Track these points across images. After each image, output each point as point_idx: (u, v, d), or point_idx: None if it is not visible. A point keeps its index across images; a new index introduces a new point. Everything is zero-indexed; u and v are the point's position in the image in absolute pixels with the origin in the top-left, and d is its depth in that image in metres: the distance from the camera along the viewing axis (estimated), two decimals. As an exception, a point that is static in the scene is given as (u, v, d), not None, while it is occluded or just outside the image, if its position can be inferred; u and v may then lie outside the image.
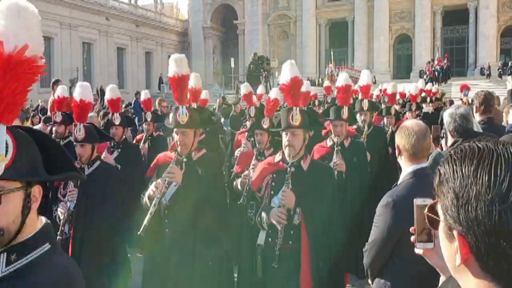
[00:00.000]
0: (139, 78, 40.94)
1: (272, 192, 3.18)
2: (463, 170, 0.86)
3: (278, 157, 3.28)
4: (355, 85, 13.91)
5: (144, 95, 7.53)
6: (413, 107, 8.64)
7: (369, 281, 2.73)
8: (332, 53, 35.37)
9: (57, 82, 8.27)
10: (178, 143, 3.33)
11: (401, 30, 40.07)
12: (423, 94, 13.34)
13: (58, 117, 5.47)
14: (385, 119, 7.08)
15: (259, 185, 3.29)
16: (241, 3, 44.38)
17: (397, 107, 10.01)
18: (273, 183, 3.18)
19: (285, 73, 3.21)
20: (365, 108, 5.79)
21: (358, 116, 5.76)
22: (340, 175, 4.17)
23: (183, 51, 47.88)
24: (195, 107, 5.46)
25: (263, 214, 3.07)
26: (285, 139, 3.12)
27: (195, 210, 3.19)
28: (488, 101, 4.32)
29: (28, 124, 7.69)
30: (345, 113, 4.42)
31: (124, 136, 5.60)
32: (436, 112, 11.01)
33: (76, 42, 35.19)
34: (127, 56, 40.35)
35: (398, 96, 12.06)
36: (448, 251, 0.91)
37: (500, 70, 32.37)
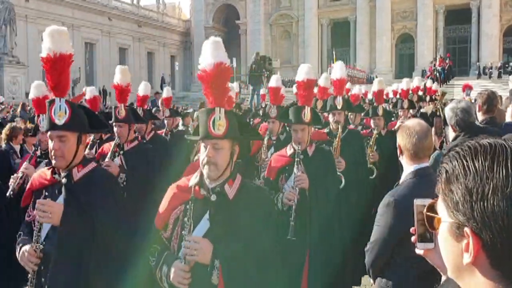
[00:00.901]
0: (141, 78, 40.91)
1: (183, 232, 2.15)
2: (476, 166, 0.84)
3: (194, 179, 2.25)
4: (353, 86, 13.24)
5: (89, 93, 5.89)
6: (405, 105, 7.37)
7: (371, 280, 2.73)
8: (334, 52, 35.35)
9: None
10: (53, 152, 2.39)
11: (403, 29, 40.02)
12: (420, 93, 11.93)
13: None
14: (371, 121, 6.01)
15: (166, 220, 2.26)
16: (243, 3, 44.39)
17: (390, 106, 9.19)
18: (185, 219, 2.16)
19: (206, 56, 2.22)
20: (339, 106, 4.75)
21: (330, 116, 4.79)
22: (302, 193, 3.34)
23: (185, 51, 47.98)
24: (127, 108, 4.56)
25: (164, 268, 2.12)
26: (203, 153, 2.16)
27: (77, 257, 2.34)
28: (491, 101, 4.29)
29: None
30: (307, 115, 3.49)
31: None
32: (436, 113, 9.77)
33: (79, 42, 35.24)
34: (129, 56, 40.40)
35: (391, 95, 11.06)
36: (453, 251, 0.89)
37: (490, 70, 32.50)
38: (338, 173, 4.21)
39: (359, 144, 5.16)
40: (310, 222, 3.41)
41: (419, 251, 1.26)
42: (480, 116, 4.26)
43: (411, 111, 8.02)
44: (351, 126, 6.49)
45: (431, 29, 38.33)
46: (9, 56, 25.22)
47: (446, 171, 0.89)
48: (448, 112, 3.75)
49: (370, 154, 5.51)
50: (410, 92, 10.06)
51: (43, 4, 32.51)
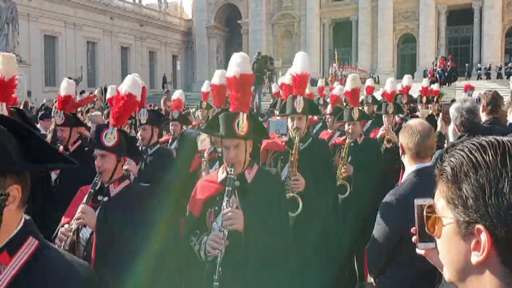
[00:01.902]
0: (143, 78, 40.86)
1: None
2: (488, 160, 0.83)
3: None
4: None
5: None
6: (390, 109, 6.10)
7: (371, 279, 2.73)
8: (336, 52, 35.35)
9: None
10: None
11: (405, 30, 39.99)
12: (416, 94, 10.16)
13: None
14: (346, 126, 4.98)
15: None
16: (245, 2, 44.39)
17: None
18: None
19: None
20: (300, 109, 3.61)
21: (289, 121, 3.72)
22: (234, 237, 2.37)
23: (187, 51, 48.01)
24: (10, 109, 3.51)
25: None
26: None
27: None
28: (495, 101, 4.27)
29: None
30: (241, 125, 2.50)
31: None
32: (433, 116, 8.44)
33: (81, 41, 35.30)
34: (131, 56, 40.43)
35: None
36: (458, 251, 0.87)
37: (478, 70, 32.51)
38: (294, 195, 3.37)
39: (324, 156, 3.94)
40: (244, 282, 2.42)
41: (420, 251, 1.26)
42: (484, 117, 4.23)
43: (400, 115, 6.94)
44: (328, 131, 5.91)
45: (433, 29, 38.30)
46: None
47: (452, 168, 0.87)
48: (453, 112, 3.74)
49: (342, 168, 4.54)
50: (399, 93, 8.57)
51: (46, 3, 32.55)
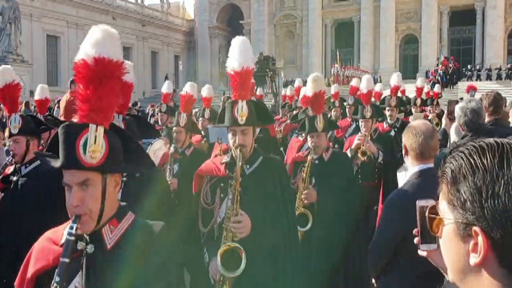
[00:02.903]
0: (145, 78, 41.06)
1: None
2: (485, 163, 0.83)
3: None
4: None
5: None
6: (367, 113, 4.92)
7: (373, 280, 2.73)
8: (338, 53, 35.32)
9: (74, 82, 8.19)
10: None
11: (408, 30, 39.95)
12: (407, 96, 9.22)
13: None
14: (308, 140, 3.85)
15: None
16: (247, 2, 44.41)
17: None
18: None
19: None
20: (242, 120, 2.61)
21: (230, 136, 2.68)
22: None
23: (189, 51, 48.03)
24: None
25: None
26: None
27: None
28: (497, 102, 4.26)
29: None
30: (93, 147, 1.47)
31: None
32: (431, 121, 7.01)
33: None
34: (133, 56, 40.44)
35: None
36: (458, 252, 0.88)
37: (469, 72, 32.44)
38: (237, 245, 2.47)
39: (280, 182, 2.80)
40: None
41: (422, 252, 1.26)
42: (485, 118, 4.24)
43: (389, 121, 5.94)
44: (299, 139, 5.06)
45: (435, 30, 38.25)
46: (13, 55, 25.34)
47: (452, 171, 0.88)
48: (458, 111, 3.74)
49: (303, 192, 3.56)
50: (388, 95, 7.12)
51: (48, 3, 32.64)
